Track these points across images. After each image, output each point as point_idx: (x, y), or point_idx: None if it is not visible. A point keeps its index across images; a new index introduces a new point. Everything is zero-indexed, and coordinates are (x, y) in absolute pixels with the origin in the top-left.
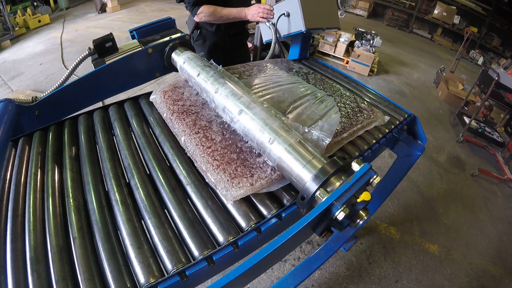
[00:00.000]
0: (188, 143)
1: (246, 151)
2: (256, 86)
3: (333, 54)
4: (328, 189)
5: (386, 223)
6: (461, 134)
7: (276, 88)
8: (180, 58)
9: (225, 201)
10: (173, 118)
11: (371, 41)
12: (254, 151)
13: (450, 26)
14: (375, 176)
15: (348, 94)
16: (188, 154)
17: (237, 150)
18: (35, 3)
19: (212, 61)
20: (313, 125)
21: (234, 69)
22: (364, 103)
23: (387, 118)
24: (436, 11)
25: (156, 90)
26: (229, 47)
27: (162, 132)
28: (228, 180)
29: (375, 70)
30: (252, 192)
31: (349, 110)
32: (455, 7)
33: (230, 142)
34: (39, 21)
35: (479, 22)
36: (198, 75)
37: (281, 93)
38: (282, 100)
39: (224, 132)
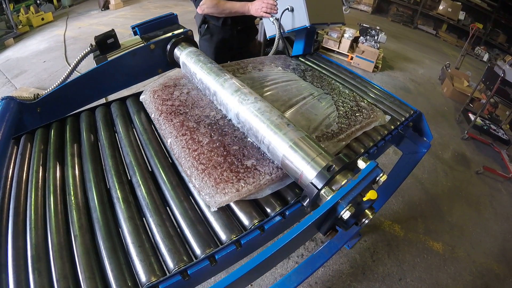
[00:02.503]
0: (174, 145)
1: (234, 154)
2: (249, 85)
3: (337, 50)
4: (334, 188)
5: (390, 221)
6: (466, 131)
7: (270, 86)
8: (182, 54)
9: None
10: (160, 119)
11: (376, 37)
12: (243, 153)
13: (455, 22)
14: (381, 174)
15: (347, 92)
16: (174, 157)
17: (224, 153)
18: (38, 1)
19: None
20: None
21: (228, 66)
22: (364, 102)
23: (388, 117)
24: (441, 7)
25: (146, 89)
26: (236, 43)
27: None
28: (212, 186)
29: (380, 66)
30: (238, 198)
31: (348, 110)
32: (460, 3)
33: (217, 144)
34: (42, 19)
35: (485, 18)
36: (202, 68)
37: (275, 91)
38: (276, 99)
39: (212, 134)
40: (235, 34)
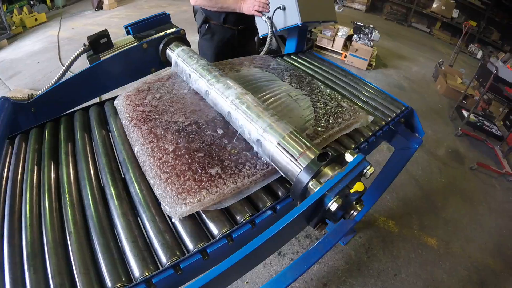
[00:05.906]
0: (140, 153)
1: (199, 162)
2: None
3: (331, 48)
4: (321, 180)
5: (385, 217)
6: (460, 128)
7: (245, 88)
8: (175, 53)
9: None
10: (130, 126)
11: (369, 35)
12: (208, 161)
13: (449, 20)
14: (368, 167)
15: (328, 92)
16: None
17: (189, 160)
18: (31, 2)
19: None
20: None
21: None
22: (346, 102)
23: (371, 118)
24: (434, 5)
25: (121, 95)
26: (237, 43)
27: None
28: (174, 196)
29: (374, 64)
30: (200, 208)
31: (327, 111)
32: (454, 1)
33: (183, 151)
34: (36, 19)
35: (478, 16)
36: (194, 66)
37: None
38: None
39: (179, 141)
40: (236, 34)
